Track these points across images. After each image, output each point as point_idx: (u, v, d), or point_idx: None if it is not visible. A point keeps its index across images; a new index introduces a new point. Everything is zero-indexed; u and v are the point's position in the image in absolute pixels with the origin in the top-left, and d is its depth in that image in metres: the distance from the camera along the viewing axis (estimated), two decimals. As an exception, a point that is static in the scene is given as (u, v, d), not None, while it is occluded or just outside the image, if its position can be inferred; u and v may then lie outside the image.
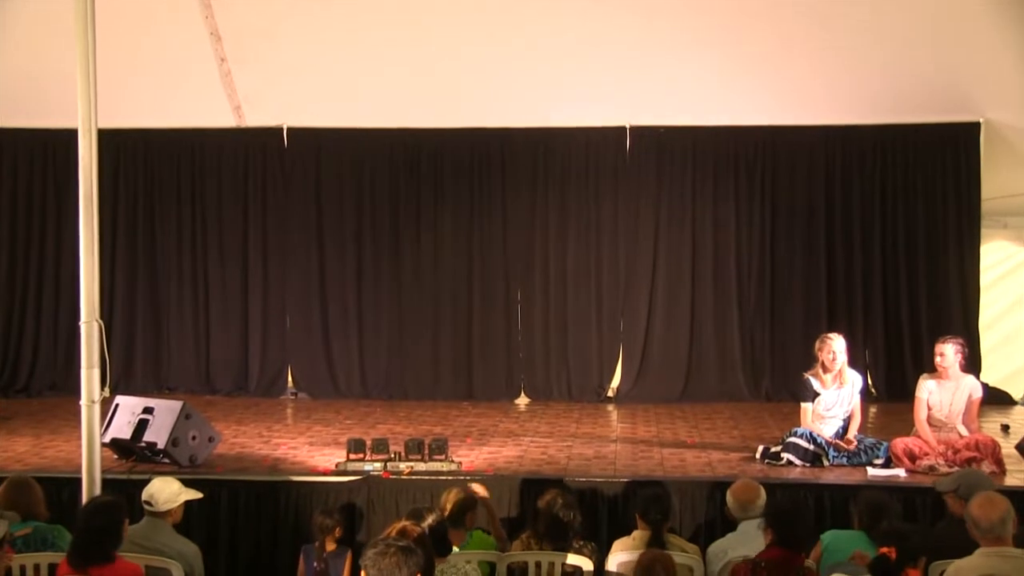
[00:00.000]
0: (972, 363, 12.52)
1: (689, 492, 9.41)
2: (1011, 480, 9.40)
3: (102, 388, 8.15)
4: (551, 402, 14.50)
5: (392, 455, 9.76)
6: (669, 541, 7.48)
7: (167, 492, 7.50)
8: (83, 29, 7.98)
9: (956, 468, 9.43)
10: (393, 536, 5.41)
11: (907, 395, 11.05)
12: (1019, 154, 14.05)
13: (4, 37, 13.13)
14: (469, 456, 10.45)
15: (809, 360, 10.66)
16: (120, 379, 14.51)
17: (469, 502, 8.13)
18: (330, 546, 8.11)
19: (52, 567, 6.78)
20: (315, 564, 8.04)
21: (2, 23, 12.99)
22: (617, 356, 14.92)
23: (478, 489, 8.53)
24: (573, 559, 7.27)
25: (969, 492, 6.90)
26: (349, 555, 8.06)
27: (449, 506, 7.88)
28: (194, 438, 10.04)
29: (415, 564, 4.82)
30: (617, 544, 7.61)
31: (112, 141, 13.55)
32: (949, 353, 9.93)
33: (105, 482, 8.26)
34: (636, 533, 7.58)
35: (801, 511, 6.82)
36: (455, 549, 7.32)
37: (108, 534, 6.53)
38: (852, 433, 10.18)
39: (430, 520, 6.78)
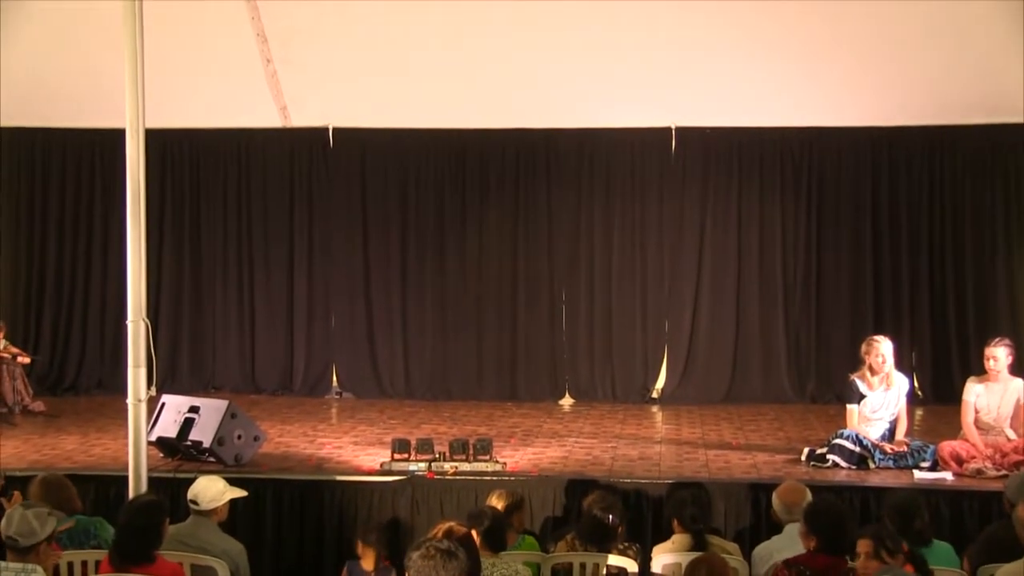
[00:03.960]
0: (1020, 366, 12.41)
1: (734, 494, 9.40)
2: (1060, 484, 9.30)
3: (148, 387, 8.23)
4: (595, 403, 14.46)
5: (437, 455, 9.78)
6: (710, 543, 7.46)
7: (212, 491, 7.52)
8: (131, 30, 8.06)
9: (1004, 472, 9.37)
10: (438, 537, 5.41)
11: (954, 398, 11.01)
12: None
13: (53, 38, 13.21)
14: (513, 456, 10.47)
15: (855, 361, 10.62)
16: (166, 378, 14.60)
17: (515, 503, 8.14)
18: (377, 564, 8.04)
19: (98, 564, 6.82)
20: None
21: (51, 23, 13.07)
22: (662, 357, 14.88)
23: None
24: (617, 560, 7.26)
25: (1021, 495, 6.85)
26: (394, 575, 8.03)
27: (498, 508, 7.86)
28: (239, 437, 10.09)
29: (455, 568, 4.80)
30: (657, 549, 7.60)
31: (159, 141, 13.58)
32: (1002, 356, 9.87)
33: (151, 480, 8.33)
34: (675, 537, 7.57)
35: (844, 515, 6.77)
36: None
37: (149, 534, 6.57)
38: (900, 435, 10.14)
39: (489, 518, 6.81)
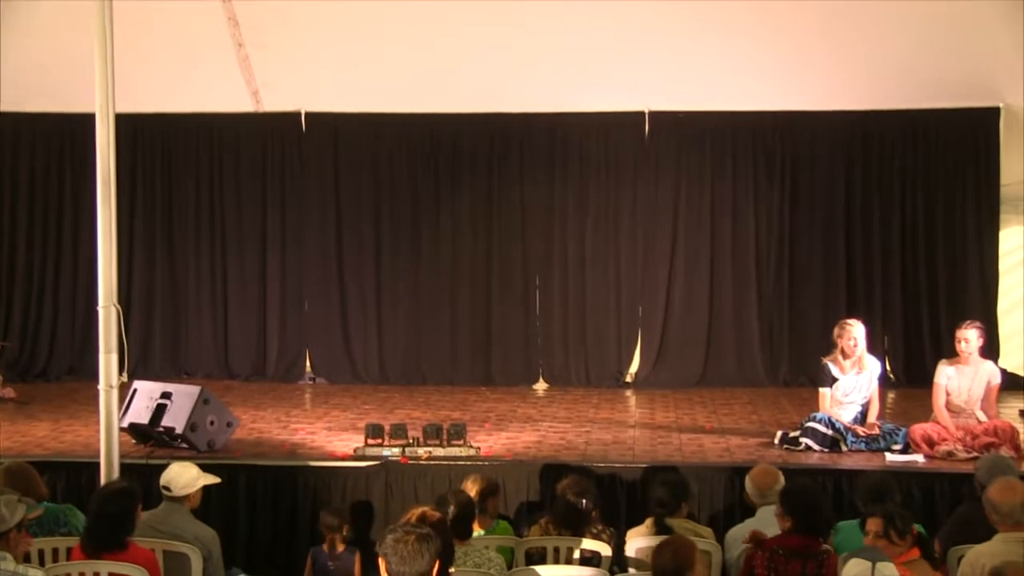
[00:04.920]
0: (990, 349, 12.49)
1: (708, 478, 9.43)
2: (1029, 466, 9.38)
3: (120, 373, 8.22)
4: (569, 387, 14.47)
5: (410, 440, 9.80)
6: (683, 526, 7.46)
7: (185, 477, 7.51)
8: (101, 13, 8.00)
9: (974, 454, 9.44)
10: (412, 522, 5.41)
11: (925, 381, 11.05)
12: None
13: (23, 22, 13.12)
14: (487, 441, 10.47)
15: (828, 345, 10.65)
16: (138, 364, 14.54)
17: (490, 488, 8.15)
18: (338, 547, 8.06)
19: (69, 551, 6.81)
20: (328, 564, 8.00)
21: (21, 7, 12.98)
22: (635, 341, 14.89)
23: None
24: (591, 544, 7.28)
25: (991, 477, 6.90)
26: (358, 556, 8.02)
27: (472, 493, 7.86)
28: (212, 423, 10.06)
29: (434, 550, 4.83)
30: (631, 533, 7.64)
31: (130, 126, 13.53)
32: (972, 338, 9.94)
33: (123, 467, 8.31)
34: (648, 521, 7.61)
35: (819, 496, 6.82)
36: (480, 533, 7.39)
37: (121, 521, 6.58)
38: (872, 418, 10.19)
39: (455, 505, 6.82)
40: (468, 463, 9.51)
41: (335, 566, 7.97)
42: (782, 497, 6.81)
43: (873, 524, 6.30)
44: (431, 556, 4.81)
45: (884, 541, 6.21)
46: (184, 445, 9.97)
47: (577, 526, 7.43)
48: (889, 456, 9.76)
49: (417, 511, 5.98)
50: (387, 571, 4.82)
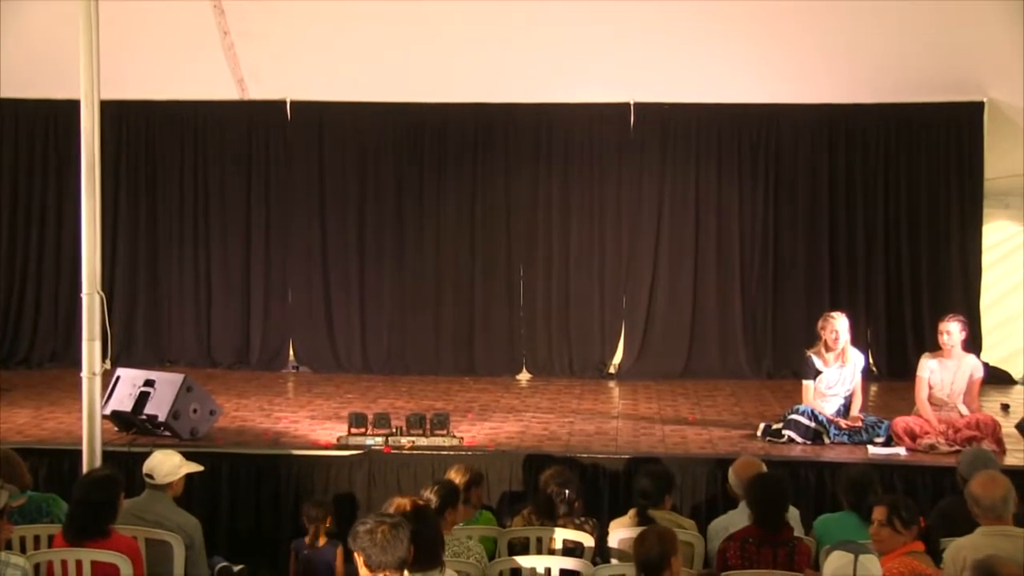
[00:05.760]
0: (973, 342, 12.55)
1: (690, 469, 9.43)
2: (1011, 459, 9.39)
3: (103, 360, 8.17)
4: (553, 378, 14.48)
5: (394, 430, 9.78)
6: (666, 518, 7.47)
7: (168, 465, 7.49)
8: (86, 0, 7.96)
9: (956, 447, 9.48)
10: (385, 512, 5.38)
11: (908, 374, 11.06)
12: (1022, 134, 13.97)
13: (8, 8, 13.06)
14: (470, 431, 10.46)
15: (811, 337, 10.68)
16: (121, 351, 14.47)
17: (474, 479, 8.14)
18: (320, 539, 8.01)
19: (51, 539, 6.79)
20: (310, 556, 7.97)
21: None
22: (619, 332, 14.91)
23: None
24: (574, 535, 7.28)
25: (973, 471, 6.92)
26: (340, 549, 7.96)
27: (457, 482, 7.85)
28: (195, 411, 10.04)
29: (408, 535, 4.85)
30: (614, 523, 7.64)
31: (115, 113, 13.52)
32: (955, 331, 9.93)
33: (106, 454, 8.28)
34: (631, 511, 7.62)
35: (782, 490, 6.89)
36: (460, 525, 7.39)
37: (104, 509, 6.55)
38: (855, 411, 10.20)
39: (437, 495, 6.83)
40: (451, 453, 9.50)
41: (317, 558, 7.95)
42: (746, 487, 6.94)
43: (878, 512, 6.30)
44: (407, 541, 4.84)
45: (888, 530, 6.21)
46: (167, 433, 9.96)
47: (560, 517, 7.44)
48: (872, 449, 9.78)
49: (405, 500, 5.93)
50: (365, 564, 4.82)
